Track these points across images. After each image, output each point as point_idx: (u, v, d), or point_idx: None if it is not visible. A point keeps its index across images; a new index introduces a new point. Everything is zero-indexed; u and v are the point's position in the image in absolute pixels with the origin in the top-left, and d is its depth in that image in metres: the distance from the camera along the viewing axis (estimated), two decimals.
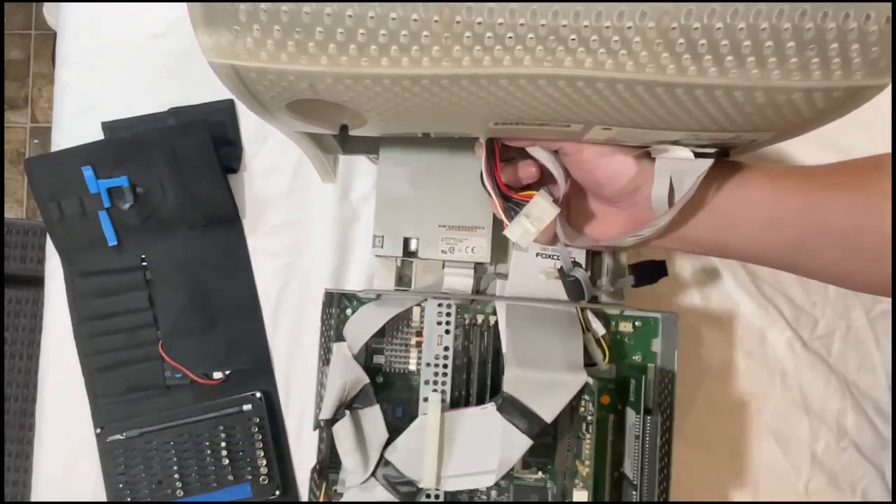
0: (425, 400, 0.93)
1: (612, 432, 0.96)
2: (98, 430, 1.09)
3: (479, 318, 0.98)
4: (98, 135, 1.14)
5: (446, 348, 0.94)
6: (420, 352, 0.98)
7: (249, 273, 1.14)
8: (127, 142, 1.10)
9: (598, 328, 0.96)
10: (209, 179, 1.10)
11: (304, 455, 1.12)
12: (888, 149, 1.06)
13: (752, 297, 1.12)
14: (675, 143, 0.78)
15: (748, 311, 1.12)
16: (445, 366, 0.94)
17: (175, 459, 1.08)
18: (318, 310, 1.11)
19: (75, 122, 1.15)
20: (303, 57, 0.58)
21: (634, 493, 0.89)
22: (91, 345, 1.11)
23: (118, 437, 1.08)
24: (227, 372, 1.11)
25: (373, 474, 0.93)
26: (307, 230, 1.14)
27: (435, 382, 0.94)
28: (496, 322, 0.96)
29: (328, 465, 0.98)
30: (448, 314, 0.95)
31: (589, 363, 0.93)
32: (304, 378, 1.13)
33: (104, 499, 1.09)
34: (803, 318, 1.12)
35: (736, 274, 1.12)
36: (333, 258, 1.12)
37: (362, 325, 0.96)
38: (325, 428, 0.94)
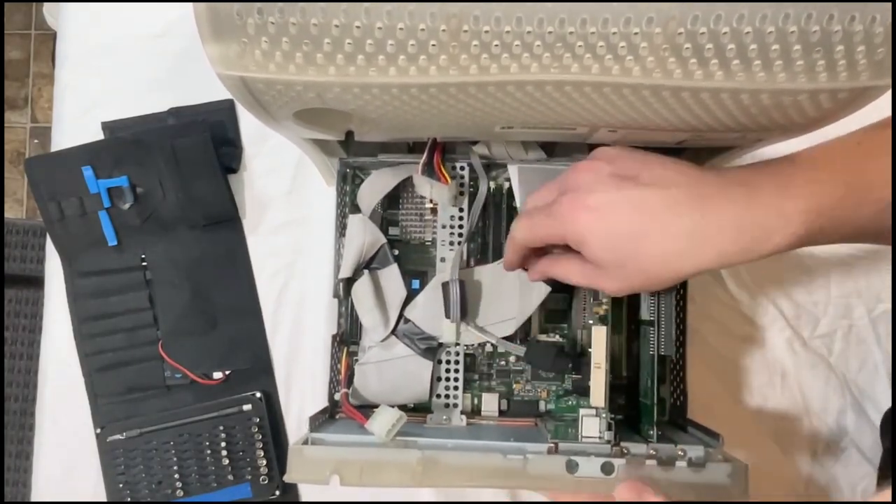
0: (443, 260, 0.95)
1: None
2: (98, 430, 1.09)
3: (493, 186, 0.98)
4: (98, 135, 1.14)
5: (462, 209, 0.96)
6: (435, 220, 0.98)
7: (249, 273, 1.14)
8: (127, 142, 1.10)
9: None
10: (209, 179, 1.10)
11: None
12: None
13: (753, 295, 1.12)
14: (680, 143, 0.78)
15: (748, 310, 1.12)
16: (461, 226, 0.96)
17: (175, 459, 1.08)
18: (318, 310, 1.11)
19: (75, 122, 1.15)
20: (311, 68, 0.59)
21: (652, 329, 0.89)
22: (91, 345, 1.11)
23: (118, 437, 1.08)
24: (227, 372, 1.11)
25: (393, 332, 0.95)
26: (307, 230, 1.14)
27: (451, 244, 0.96)
28: (510, 188, 0.96)
29: (348, 336, 0.98)
30: (462, 175, 0.96)
31: None
32: (304, 378, 1.13)
33: (104, 499, 1.09)
34: (804, 317, 1.11)
35: (736, 272, 1.12)
36: (333, 258, 1.12)
37: (376, 186, 0.97)
38: (344, 295, 0.95)
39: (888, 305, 1.11)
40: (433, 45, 0.56)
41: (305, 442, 0.80)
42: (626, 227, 0.71)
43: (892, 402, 1.09)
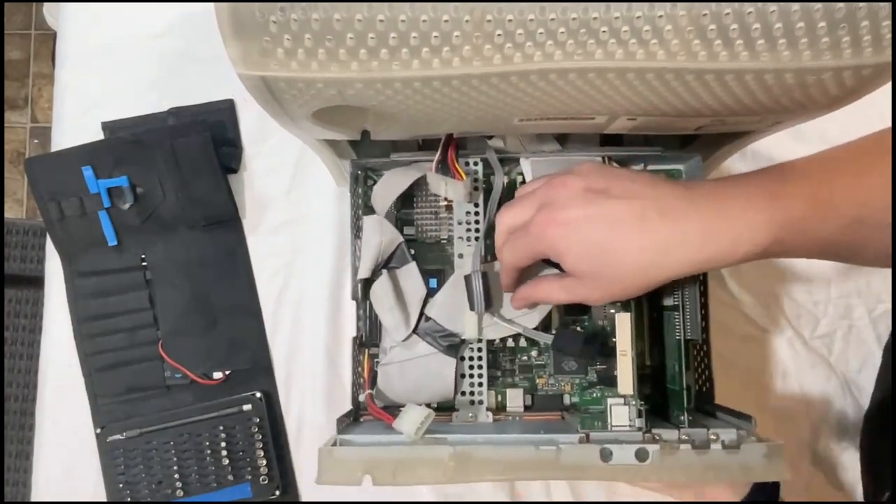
0: (460, 256, 0.94)
1: None
2: (98, 430, 1.09)
3: (506, 180, 0.97)
4: (98, 135, 1.14)
5: (476, 204, 0.95)
6: (450, 217, 0.97)
7: (249, 273, 1.14)
8: (127, 142, 1.10)
9: None
10: (209, 179, 1.10)
11: (304, 455, 1.12)
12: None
13: (754, 295, 1.12)
14: (699, 129, 0.78)
15: (749, 310, 1.12)
16: (477, 221, 0.95)
17: (175, 459, 1.08)
18: (318, 310, 1.11)
19: (75, 122, 1.15)
20: (333, 64, 0.58)
21: (676, 315, 0.90)
22: (91, 345, 1.11)
23: (118, 437, 1.08)
24: (227, 372, 1.11)
25: (414, 331, 0.94)
26: (307, 230, 1.14)
27: (468, 239, 0.95)
28: (523, 181, 0.96)
29: (368, 339, 0.97)
30: (476, 171, 0.96)
31: None
32: (304, 378, 1.13)
33: (104, 499, 1.09)
34: (804, 317, 1.12)
35: (737, 272, 1.12)
36: (333, 258, 1.12)
37: (389, 187, 0.96)
38: (363, 296, 0.94)
39: (888, 305, 1.12)
40: (457, 35, 0.56)
41: (334, 444, 0.79)
42: (599, 238, 0.74)
43: (893, 402, 1.09)
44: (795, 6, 0.54)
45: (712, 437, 0.78)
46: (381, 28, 0.55)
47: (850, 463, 1.11)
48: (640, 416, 0.83)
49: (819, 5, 0.53)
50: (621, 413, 0.83)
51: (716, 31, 0.56)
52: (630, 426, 0.82)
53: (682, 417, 0.87)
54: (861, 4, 0.54)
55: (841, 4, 0.54)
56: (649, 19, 0.55)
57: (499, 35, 0.56)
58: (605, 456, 0.75)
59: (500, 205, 0.92)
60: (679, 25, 0.55)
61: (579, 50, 0.58)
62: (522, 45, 0.57)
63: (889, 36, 0.57)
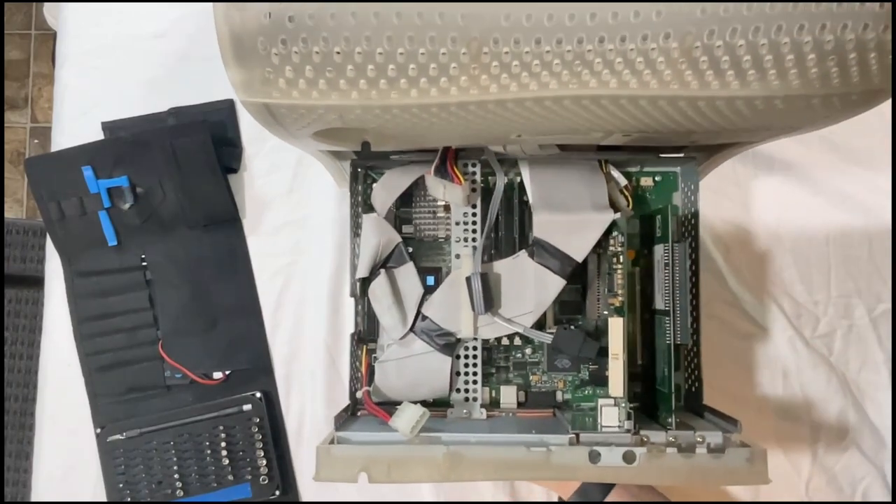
0: (457, 257, 0.95)
1: (640, 282, 0.99)
2: (98, 430, 1.09)
3: (506, 181, 0.97)
4: (98, 135, 1.14)
5: (474, 205, 0.96)
6: (448, 217, 0.98)
7: (249, 273, 1.14)
8: (127, 142, 1.10)
9: (620, 178, 0.97)
10: (209, 179, 1.10)
11: (304, 455, 1.13)
12: (888, 148, 1.06)
13: (755, 294, 1.12)
14: (693, 141, 0.78)
15: (750, 309, 1.12)
16: (475, 222, 0.96)
17: (175, 459, 1.08)
18: (318, 310, 1.12)
19: (75, 122, 1.15)
20: (334, 93, 0.59)
21: (667, 319, 0.90)
22: (91, 345, 1.11)
23: (118, 437, 1.08)
24: (227, 372, 1.11)
25: (411, 329, 0.95)
26: (307, 230, 1.14)
27: (465, 240, 0.95)
28: (521, 183, 0.97)
29: (367, 335, 0.98)
30: (474, 172, 0.97)
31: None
32: (304, 378, 1.13)
33: (104, 499, 1.09)
34: (805, 317, 1.12)
35: (738, 271, 1.12)
36: (333, 258, 1.12)
37: (389, 186, 0.97)
38: (361, 294, 0.95)
39: (888, 305, 1.12)
40: (454, 67, 0.57)
41: (332, 441, 0.80)
42: None
43: (893, 402, 1.09)
44: (785, 39, 0.54)
45: (698, 439, 0.80)
46: (380, 60, 0.56)
47: (850, 463, 1.11)
48: (629, 417, 0.85)
49: (808, 38, 0.53)
50: (611, 414, 0.85)
51: (707, 63, 0.56)
52: (619, 427, 0.84)
53: (670, 419, 0.88)
54: (850, 37, 0.54)
55: (830, 37, 0.54)
56: (642, 52, 0.55)
57: (495, 66, 0.57)
58: (594, 458, 0.77)
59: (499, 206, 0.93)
60: (671, 57, 0.55)
61: (574, 80, 0.58)
62: (518, 75, 0.58)
63: (876, 66, 0.57)
